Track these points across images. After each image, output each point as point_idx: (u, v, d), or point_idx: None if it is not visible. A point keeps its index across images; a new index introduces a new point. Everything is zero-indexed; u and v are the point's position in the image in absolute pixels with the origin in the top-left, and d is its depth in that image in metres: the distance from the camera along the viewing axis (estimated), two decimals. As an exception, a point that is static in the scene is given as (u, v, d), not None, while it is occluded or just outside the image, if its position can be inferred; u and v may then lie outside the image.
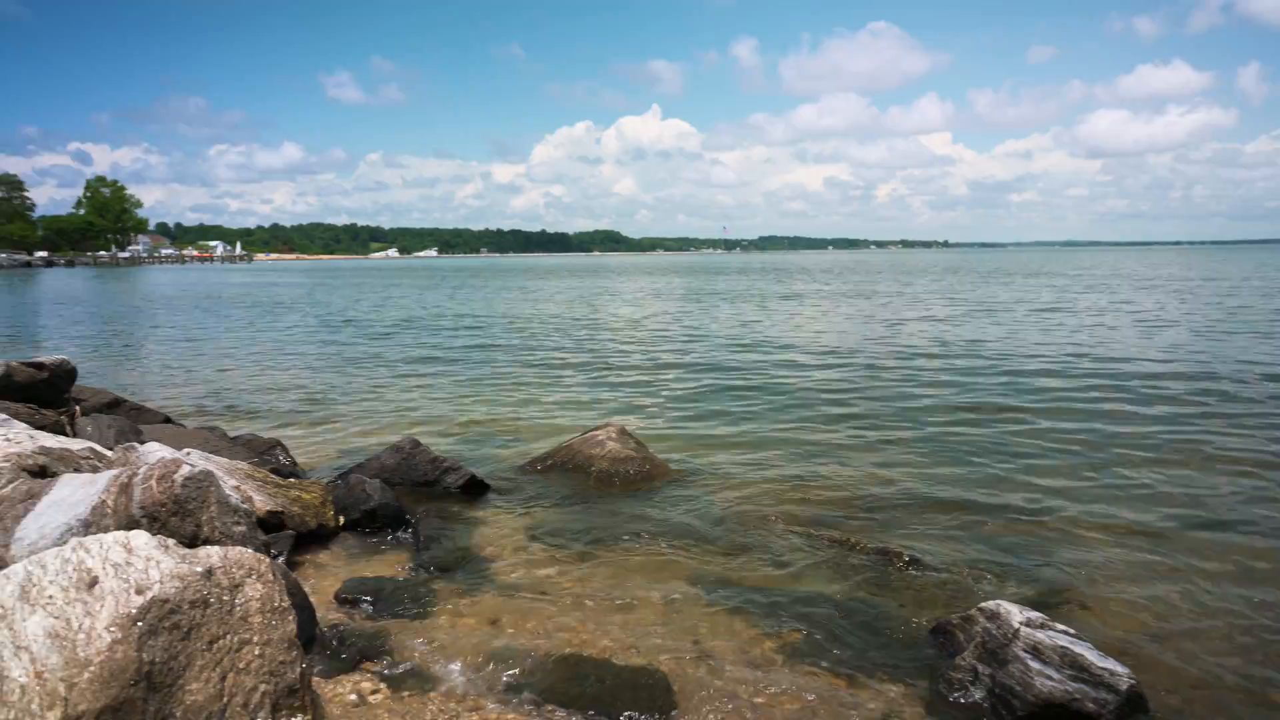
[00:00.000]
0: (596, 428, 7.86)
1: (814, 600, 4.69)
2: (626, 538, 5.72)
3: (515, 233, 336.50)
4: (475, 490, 6.72)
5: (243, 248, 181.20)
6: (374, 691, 3.62)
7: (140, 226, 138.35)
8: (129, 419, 7.53)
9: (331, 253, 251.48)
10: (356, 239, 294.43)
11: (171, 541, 3.12)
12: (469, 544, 5.63)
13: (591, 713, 3.52)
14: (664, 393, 11.42)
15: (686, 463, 7.64)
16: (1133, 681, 3.41)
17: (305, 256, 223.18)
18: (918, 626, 4.33)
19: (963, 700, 3.58)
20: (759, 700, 3.62)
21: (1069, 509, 6.19)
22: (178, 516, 4.08)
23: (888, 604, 4.66)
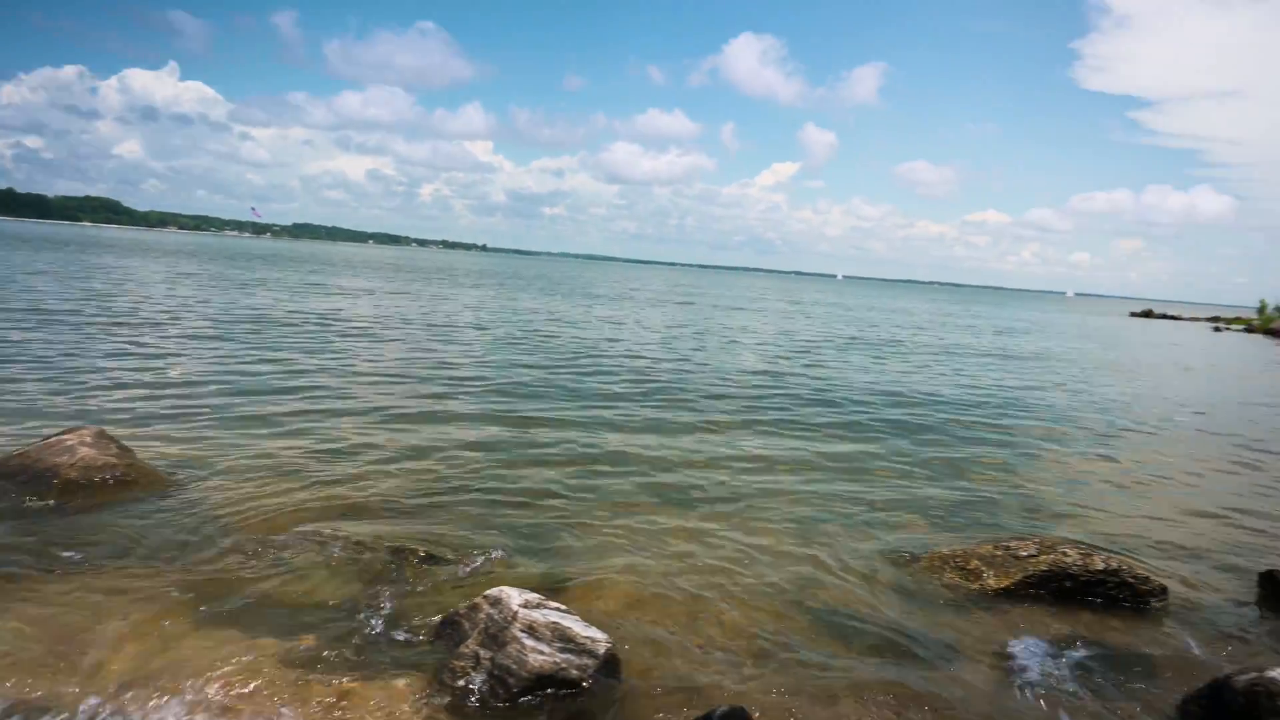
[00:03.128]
0: (64, 432, 6.53)
1: (324, 607, 4.48)
2: (102, 561, 4.83)
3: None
4: None
5: None
6: None
7: None
8: None
9: None
10: None
11: None
12: None
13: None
14: (164, 392, 9.88)
15: (186, 470, 6.72)
16: (609, 645, 3.88)
17: None
18: (429, 620, 4.38)
19: (465, 686, 3.71)
20: (251, 726, 3.32)
21: (576, 496, 6.84)
22: None
23: (401, 602, 4.63)
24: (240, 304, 22.12)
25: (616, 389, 12.35)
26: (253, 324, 17.28)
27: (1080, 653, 4.62)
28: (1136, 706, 4.08)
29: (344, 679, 3.77)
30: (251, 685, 3.66)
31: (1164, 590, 5.40)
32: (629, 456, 8.28)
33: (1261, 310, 53.92)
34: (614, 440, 8.92)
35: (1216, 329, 54.04)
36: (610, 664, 3.86)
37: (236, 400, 9.52)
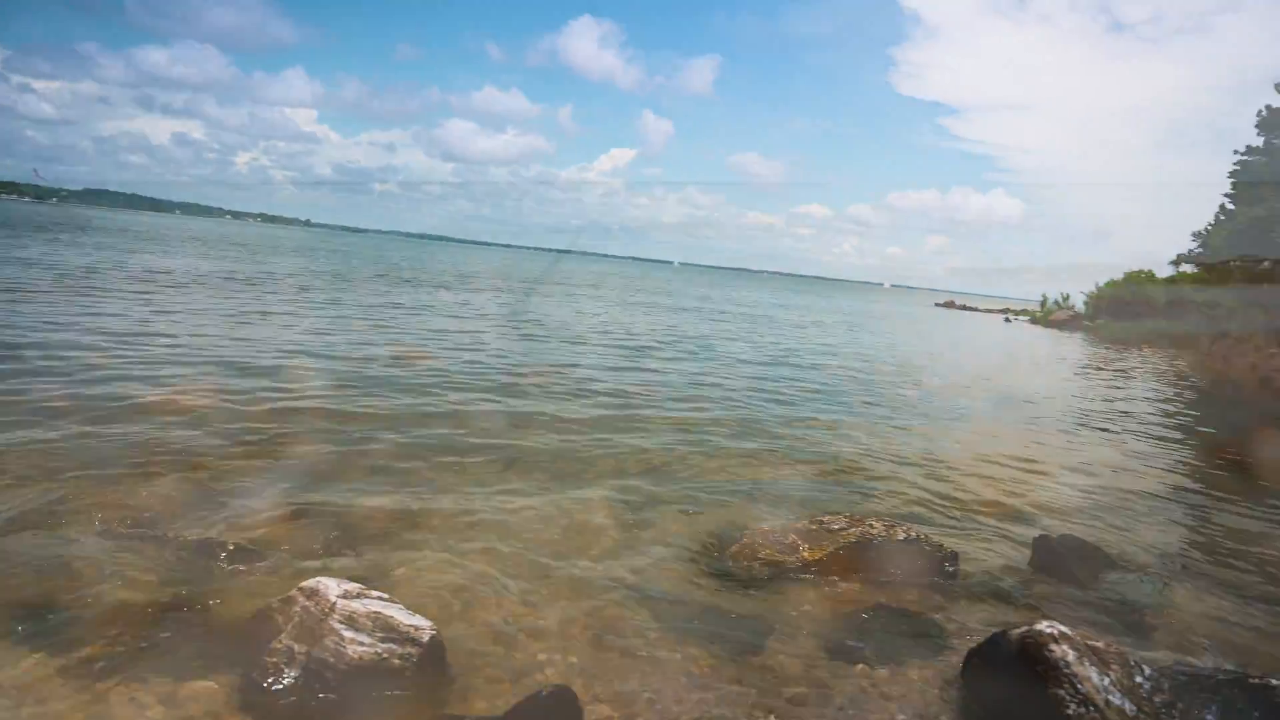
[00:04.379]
0: None
1: (116, 610, 4.09)
2: None
3: None
4: None
5: None
6: None
7: None
8: None
9: None
10: None
11: None
12: None
13: None
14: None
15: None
16: (434, 632, 3.80)
17: None
18: (239, 617, 4.11)
19: (277, 684, 3.52)
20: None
21: (400, 486, 6.62)
22: None
23: (206, 599, 4.32)
24: (19, 277, 19.76)
25: (448, 378, 12.04)
26: (29, 302, 15.48)
27: (882, 615, 5.01)
28: (928, 661, 4.47)
29: (140, 687, 3.48)
30: (29, 701, 3.31)
31: (955, 556, 5.94)
32: (456, 445, 8.11)
33: (1043, 304, 60.23)
34: (441, 429, 8.70)
35: (1007, 320, 59.94)
36: (435, 651, 3.78)
37: (26, 387, 8.48)
